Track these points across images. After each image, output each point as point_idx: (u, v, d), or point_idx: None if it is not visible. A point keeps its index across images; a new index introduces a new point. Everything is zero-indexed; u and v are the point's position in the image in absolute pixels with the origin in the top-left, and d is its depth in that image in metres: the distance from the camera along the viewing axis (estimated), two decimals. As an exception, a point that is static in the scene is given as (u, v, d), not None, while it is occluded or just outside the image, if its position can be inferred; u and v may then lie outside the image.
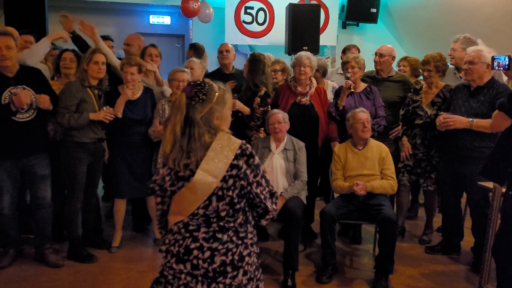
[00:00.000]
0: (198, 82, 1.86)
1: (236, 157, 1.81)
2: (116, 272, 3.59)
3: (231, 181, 1.80)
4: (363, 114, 3.73)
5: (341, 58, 5.72)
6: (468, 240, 3.99)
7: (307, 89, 4.07)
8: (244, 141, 1.88)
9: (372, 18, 7.80)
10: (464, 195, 3.89)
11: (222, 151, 1.80)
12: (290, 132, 3.85)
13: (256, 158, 1.87)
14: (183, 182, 1.81)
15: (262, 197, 1.86)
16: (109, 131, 3.78)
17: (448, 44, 4.29)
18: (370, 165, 3.72)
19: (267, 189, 1.88)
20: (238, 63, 5.17)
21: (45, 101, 3.41)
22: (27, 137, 3.38)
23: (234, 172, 1.80)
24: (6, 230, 3.55)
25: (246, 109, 4.00)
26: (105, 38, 5.18)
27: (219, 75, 4.74)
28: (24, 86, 3.37)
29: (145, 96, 3.90)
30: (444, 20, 6.57)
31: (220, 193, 1.80)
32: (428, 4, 6.80)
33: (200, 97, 1.81)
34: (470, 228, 3.82)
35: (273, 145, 3.77)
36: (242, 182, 1.82)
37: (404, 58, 5.08)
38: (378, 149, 3.77)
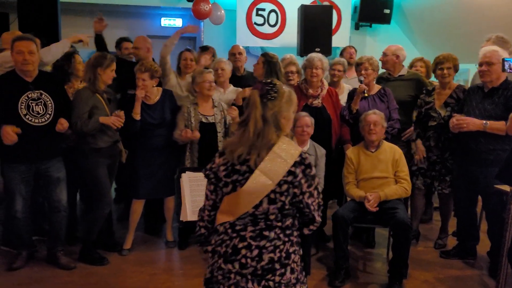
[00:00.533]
0: (269, 80, 1.91)
1: (295, 164, 1.83)
2: (128, 275, 3.59)
3: (285, 187, 1.82)
4: (372, 116, 3.68)
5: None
6: (484, 244, 3.91)
7: (318, 91, 4.03)
8: (304, 150, 1.91)
9: (386, 19, 7.72)
10: (480, 198, 3.82)
11: (282, 155, 1.82)
12: (302, 134, 3.81)
13: (313, 168, 1.90)
14: (238, 176, 1.84)
15: (312, 208, 1.90)
16: (128, 133, 3.78)
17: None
18: (383, 168, 3.66)
19: (317, 200, 1.92)
20: (249, 65, 5.15)
21: (63, 128, 3.38)
22: (42, 141, 3.39)
23: (289, 178, 1.82)
24: (19, 232, 3.58)
25: None
26: (125, 39, 5.19)
27: (231, 77, 4.71)
28: (41, 91, 3.39)
29: (163, 99, 3.90)
30: (459, 21, 6.48)
31: (272, 196, 1.82)
32: (442, 5, 6.72)
33: (272, 95, 1.85)
34: (486, 231, 3.74)
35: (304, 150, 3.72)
36: (296, 190, 1.85)
37: (421, 59, 5.01)
38: (391, 151, 3.71)
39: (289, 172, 1.81)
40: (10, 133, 3.20)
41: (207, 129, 3.86)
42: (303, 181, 1.84)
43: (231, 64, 4.48)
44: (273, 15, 7.33)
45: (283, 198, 1.83)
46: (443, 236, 4.26)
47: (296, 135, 3.71)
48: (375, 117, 3.68)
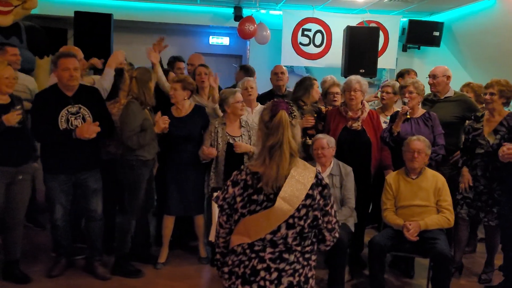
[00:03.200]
0: (285, 99, 1.88)
1: (312, 187, 1.79)
2: (160, 289, 3.62)
3: (303, 211, 1.78)
4: (417, 143, 3.56)
5: (399, 82, 5.50)
6: (532, 283, 3.66)
7: (358, 114, 3.96)
8: (318, 169, 1.87)
9: (435, 42, 7.53)
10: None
11: (300, 179, 1.78)
12: (340, 158, 3.76)
13: (330, 188, 1.86)
14: (256, 206, 1.80)
15: (324, 226, 1.86)
16: (161, 147, 3.86)
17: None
18: (424, 196, 3.53)
19: (333, 219, 1.88)
20: (292, 84, 5.17)
21: (85, 131, 3.42)
22: (80, 154, 3.48)
23: (308, 202, 1.79)
24: (58, 240, 3.70)
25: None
26: (178, 59, 5.29)
27: (273, 96, 4.74)
28: (80, 105, 3.50)
29: (193, 114, 3.93)
30: (513, 45, 6.21)
31: (291, 221, 1.78)
32: (496, 29, 6.46)
33: (294, 114, 1.83)
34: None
35: (318, 169, 3.66)
36: (316, 213, 1.81)
37: (467, 84, 4.84)
38: (433, 179, 3.58)
39: (307, 196, 1.77)
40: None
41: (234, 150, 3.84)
42: (321, 201, 1.80)
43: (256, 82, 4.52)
44: (318, 35, 7.32)
45: (302, 222, 1.78)
46: (488, 271, 4.02)
47: (315, 158, 3.66)
48: (420, 144, 3.56)
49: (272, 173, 1.76)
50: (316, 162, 3.70)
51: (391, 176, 3.71)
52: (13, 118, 3.27)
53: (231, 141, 3.84)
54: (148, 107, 3.73)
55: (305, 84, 4.29)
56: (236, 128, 3.92)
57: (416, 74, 5.38)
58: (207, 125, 3.95)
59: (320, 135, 3.75)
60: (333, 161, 3.69)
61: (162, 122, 3.64)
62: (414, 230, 3.40)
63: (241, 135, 3.90)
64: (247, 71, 5.10)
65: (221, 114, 4.06)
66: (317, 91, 4.30)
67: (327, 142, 3.65)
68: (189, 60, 4.84)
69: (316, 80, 4.41)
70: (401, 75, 5.42)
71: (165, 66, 5.23)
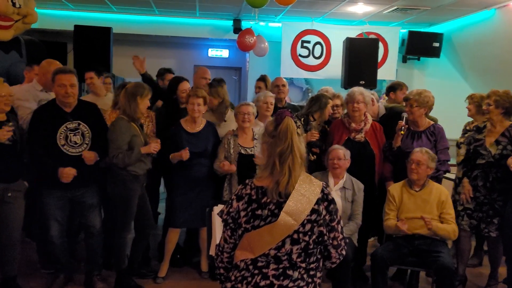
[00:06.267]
0: (289, 110, 1.85)
1: (317, 202, 1.76)
2: (160, 304, 3.57)
3: (308, 226, 1.75)
4: (418, 154, 3.53)
5: (390, 97, 5.38)
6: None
7: (361, 125, 3.94)
8: (325, 183, 1.84)
9: (435, 53, 7.56)
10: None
11: (305, 194, 1.75)
12: (344, 169, 3.72)
13: (336, 203, 1.82)
14: (260, 221, 1.77)
15: (330, 242, 1.82)
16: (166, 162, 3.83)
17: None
18: (428, 209, 3.49)
19: (339, 236, 1.84)
20: (293, 96, 5.16)
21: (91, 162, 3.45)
22: (78, 170, 3.40)
23: (313, 217, 1.75)
24: (56, 257, 3.63)
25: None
26: (169, 71, 5.29)
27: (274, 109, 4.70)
28: (79, 121, 3.45)
29: (207, 130, 3.94)
30: (512, 56, 6.22)
31: (295, 236, 1.75)
32: (495, 40, 6.49)
33: (298, 124, 1.81)
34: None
35: (331, 181, 3.65)
36: (321, 228, 1.77)
37: (469, 97, 4.79)
38: (437, 191, 3.54)
39: (313, 211, 1.73)
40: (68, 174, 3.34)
41: (247, 160, 3.82)
42: (327, 217, 1.76)
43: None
44: (318, 47, 7.35)
45: (306, 238, 1.75)
46: (492, 284, 3.97)
47: (329, 168, 3.64)
48: (420, 156, 3.52)
49: (284, 178, 1.74)
50: (328, 172, 3.68)
51: (394, 188, 3.67)
52: (2, 134, 3.22)
53: (242, 151, 3.83)
54: (135, 122, 3.66)
55: (321, 102, 4.21)
56: (248, 139, 3.92)
57: (407, 88, 5.29)
58: (217, 141, 3.95)
59: (337, 146, 3.71)
60: (346, 175, 3.67)
61: (154, 146, 3.57)
62: (429, 221, 3.34)
63: (253, 147, 3.88)
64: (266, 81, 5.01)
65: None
66: (329, 110, 4.26)
67: (343, 153, 3.61)
68: (202, 74, 4.66)
69: (331, 99, 4.37)
70: (393, 89, 5.26)
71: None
